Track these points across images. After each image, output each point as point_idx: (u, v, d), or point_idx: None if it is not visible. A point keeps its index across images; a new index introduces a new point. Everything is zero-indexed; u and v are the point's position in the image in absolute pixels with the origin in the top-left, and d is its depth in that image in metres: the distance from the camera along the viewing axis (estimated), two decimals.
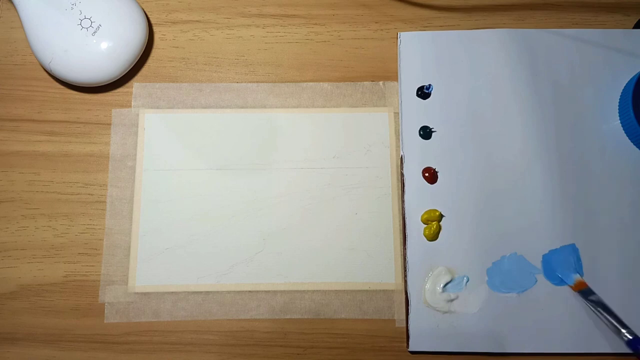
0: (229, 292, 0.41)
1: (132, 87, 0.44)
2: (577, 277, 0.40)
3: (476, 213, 0.42)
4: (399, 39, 0.45)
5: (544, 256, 0.41)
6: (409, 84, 0.44)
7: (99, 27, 0.42)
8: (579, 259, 0.41)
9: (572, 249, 0.41)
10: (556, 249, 0.41)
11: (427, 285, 0.40)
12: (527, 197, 0.42)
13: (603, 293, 0.40)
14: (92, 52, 0.42)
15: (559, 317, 0.40)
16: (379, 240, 0.42)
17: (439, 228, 0.42)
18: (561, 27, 0.46)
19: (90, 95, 0.44)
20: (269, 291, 0.41)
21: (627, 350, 0.39)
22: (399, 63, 0.45)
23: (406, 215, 0.42)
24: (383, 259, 0.41)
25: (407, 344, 0.40)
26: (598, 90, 0.44)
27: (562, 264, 0.41)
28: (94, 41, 0.42)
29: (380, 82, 0.45)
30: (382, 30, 0.46)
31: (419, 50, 0.45)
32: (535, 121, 0.43)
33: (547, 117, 0.43)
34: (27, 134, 0.44)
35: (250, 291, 0.41)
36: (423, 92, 0.44)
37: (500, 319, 0.40)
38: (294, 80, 0.45)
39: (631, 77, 0.43)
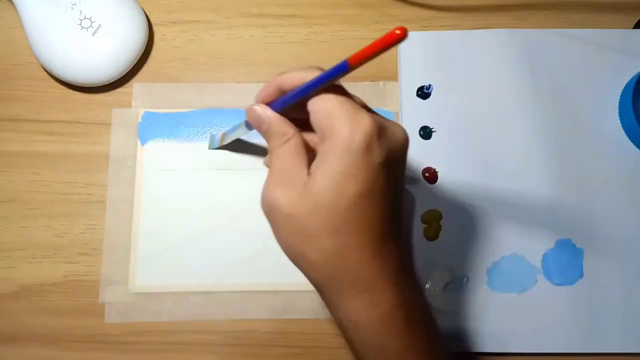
0: (229, 292, 0.41)
1: (132, 87, 0.44)
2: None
3: (476, 213, 0.42)
4: None
5: (544, 256, 0.41)
6: (409, 84, 0.44)
7: (99, 27, 0.42)
8: (579, 259, 0.41)
9: (573, 248, 0.41)
10: (556, 249, 0.41)
11: (427, 285, 0.40)
12: (527, 197, 0.42)
13: (604, 293, 0.40)
14: (92, 52, 0.42)
15: (559, 317, 0.40)
16: None
17: (439, 228, 0.42)
18: (561, 27, 0.46)
19: (90, 95, 0.44)
20: (269, 291, 0.41)
21: (629, 350, 0.39)
22: (399, 63, 0.45)
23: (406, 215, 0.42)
24: None
25: None
26: (598, 90, 0.44)
27: (562, 264, 0.41)
28: (94, 41, 0.42)
29: (380, 82, 0.45)
30: (382, 30, 0.46)
31: (419, 50, 0.45)
32: (535, 121, 0.43)
33: (547, 117, 0.43)
34: (27, 134, 0.43)
35: (250, 291, 0.41)
36: (423, 92, 0.44)
37: (500, 319, 0.40)
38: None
39: (631, 77, 0.43)
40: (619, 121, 0.43)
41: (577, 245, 0.41)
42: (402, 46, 0.45)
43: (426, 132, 0.43)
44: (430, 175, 0.42)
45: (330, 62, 0.45)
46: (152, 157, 0.43)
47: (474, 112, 0.44)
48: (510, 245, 0.41)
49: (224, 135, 0.41)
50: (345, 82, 0.44)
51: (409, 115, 0.43)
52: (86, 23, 0.42)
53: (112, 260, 0.41)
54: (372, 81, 0.45)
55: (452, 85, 0.44)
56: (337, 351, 0.40)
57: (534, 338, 0.40)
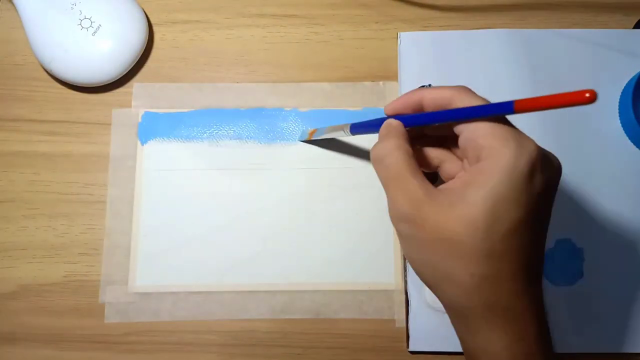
0: (229, 292, 0.41)
1: (132, 87, 0.44)
2: None
3: None
4: (399, 39, 0.45)
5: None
6: (409, 84, 0.44)
7: (99, 27, 0.42)
8: (579, 259, 0.41)
9: (573, 248, 0.41)
10: (556, 249, 0.41)
11: None
12: None
13: (603, 292, 0.40)
14: (92, 52, 0.42)
15: (559, 317, 0.40)
16: (379, 240, 0.42)
17: None
18: (561, 27, 0.46)
19: (90, 95, 0.44)
20: (269, 291, 0.41)
21: (628, 350, 0.39)
22: (399, 63, 0.45)
23: None
24: (383, 259, 0.41)
25: (407, 344, 0.40)
26: (598, 90, 0.44)
27: (562, 264, 0.41)
28: (94, 41, 0.42)
29: (380, 82, 0.45)
30: (382, 30, 0.46)
31: (419, 50, 0.45)
32: (535, 121, 0.43)
33: (547, 117, 0.43)
34: (27, 134, 0.44)
35: (250, 291, 0.41)
36: None
37: None
38: (294, 80, 0.45)
39: (631, 77, 0.43)
40: (619, 121, 0.43)
41: (577, 245, 0.41)
42: (402, 46, 0.45)
43: None
44: (430, 176, 0.42)
45: (330, 62, 0.45)
46: (152, 157, 0.43)
47: None
48: None
49: (314, 132, 0.41)
50: (346, 82, 0.45)
51: None
52: (86, 23, 0.42)
53: (112, 260, 0.41)
54: (372, 81, 0.45)
55: (452, 85, 0.44)
56: (337, 351, 0.40)
57: None
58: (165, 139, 0.43)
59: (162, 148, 0.43)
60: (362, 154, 0.43)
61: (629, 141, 0.43)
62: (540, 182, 0.25)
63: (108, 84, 0.44)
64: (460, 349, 0.39)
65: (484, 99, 0.27)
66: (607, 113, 0.44)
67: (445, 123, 0.28)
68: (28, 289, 0.41)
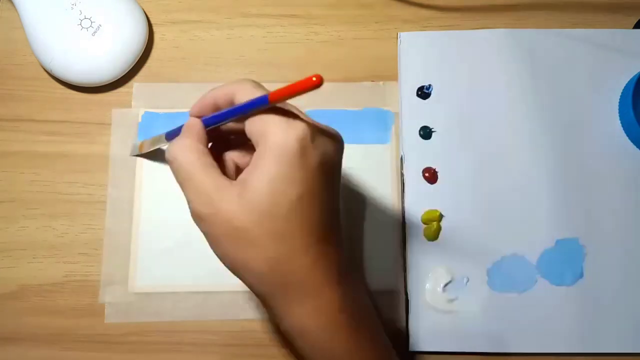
0: (229, 292, 0.41)
1: (132, 87, 0.44)
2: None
3: (476, 213, 0.42)
4: (399, 39, 0.45)
5: (544, 256, 0.41)
6: (409, 84, 0.44)
7: (99, 27, 0.42)
8: (579, 259, 0.41)
9: (573, 248, 0.41)
10: (556, 249, 0.41)
11: (427, 285, 0.40)
12: (527, 196, 0.42)
13: (604, 293, 0.40)
14: (92, 52, 0.42)
15: (559, 317, 0.40)
16: (379, 240, 0.42)
17: (439, 228, 0.42)
18: (561, 27, 0.46)
19: (90, 95, 0.44)
20: None
21: (628, 350, 0.39)
22: (399, 63, 0.45)
23: (406, 215, 0.42)
24: (383, 259, 0.41)
25: (407, 344, 0.40)
26: (598, 90, 0.44)
27: (562, 264, 0.41)
28: (94, 41, 0.42)
29: (380, 82, 0.45)
30: (382, 30, 0.46)
31: (419, 50, 0.45)
32: (535, 121, 0.43)
33: (547, 117, 0.43)
34: (27, 134, 0.43)
35: (250, 291, 0.41)
36: (423, 92, 0.44)
37: (501, 319, 0.40)
38: (294, 81, 0.44)
39: (631, 77, 0.43)
40: (619, 121, 0.43)
41: (577, 245, 0.41)
42: (402, 46, 0.45)
43: (426, 132, 0.43)
44: (430, 175, 0.42)
45: (330, 62, 0.45)
46: (152, 157, 0.43)
47: (474, 112, 0.44)
48: (510, 245, 0.41)
49: (143, 144, 0.41)
50: (346, 82, 0.45)
51: (409, 115, 0.43)
52: (86, 23, 0.42)
53: (112, 260, 0.41)
54: (372, 81, 0.45)
55: (452, 85, 0.44)
56: None
57: (534, 338, 0.40)
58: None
59: (162, 148, 0.43)
60: (362, 154, 0.43)
61: (629, 141, 0.43)
62: (314, 158, 0.26)
63: (108, 84, 0.44)
64: (460, 349, 0.40)
65: (264, 89, 0.28)
66: (607, 113, 0.44)
67: (228, 121, 0.29)
68: (28, 289, 0.41)
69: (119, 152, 0.43)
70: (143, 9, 0.45)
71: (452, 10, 0.47)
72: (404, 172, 0.42)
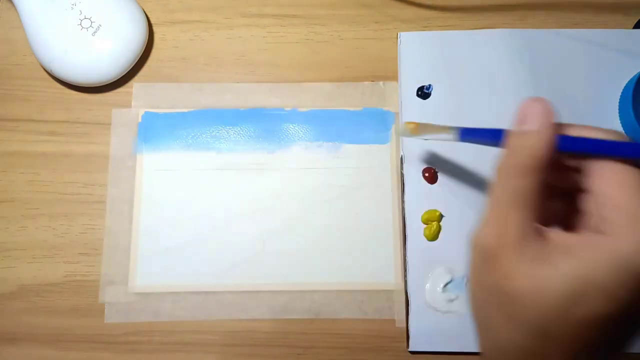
0: (229, 292, 0.41)
1: (132, 87, 0.44)
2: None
3: (476, 213, 0.42)
4: (399, 39, 0.45)
5: None
6: (409, 84, 0.44)
7: (99, 27, 0.42)
8: None
9: None
10: None
11: (427, 285, 0.40)
12: None
13: None
14: (92, 52, 0.42)
15: None
16: (379, 240, 0.42)
17: (439, 228, 0.41)
18: (561, 27, 0.46)
19: (90, 95, 0.44)
20: (269, 291, 0.41)
21: (628, 350, 0.39)
22: (399, 63, 0.45)
23: (406, 215, 0.42)
24: (383, 259, 0.41)
25: (407, 344, 0.40)
26: (598, 90, 0.44)
27: None
28: (94, 41, 0.42)
29: (380, 82, 0.45)
30: (382, 30, 0.46)
31: (419, 50, 0.45)
32: None
33: None
34: (27, 134, 0.44)
35: (250, 291, 0.41)
36: (423, 92, 0.44)
37: None
38: (294, 81, 0.45)
39: (631, 77, 0.43)
40: (619, 121, 0.43)
41: None
42: (402, 46, 0.45)
43: None
44: (430, 175, 0.42)
45: (330, 62, 0.45)
46: (152, 157, 0.43)
47: (474, 112, 0.44)
48: None
49: (419, 126, 0.36)
50: (346, 82, 0.45)
51: (409, 115, 0.43)
52: (86, 23, 0.42)
53: (112, 260, 0.41)
54: (372, 81, 0.45)
55: (452, 85, 0.44)
56: (337, 351, 0.40)
57: None
58: (165, 139, 0.43)
59: (162, 148, 0.43)
60: (362, 154, 0.43)
61: None
62: None
63: (108, 84, 0.44)
64: (460, 349, 0.40)
65: None
66: (607, 113, 0.44)
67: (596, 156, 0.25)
68: (28, 289, 0.41)
69: (119, 152, 0.43)
70: (143, 9, 0.45)
71: (452, 10, 0.47)
72: (404, 172, 0.42)
